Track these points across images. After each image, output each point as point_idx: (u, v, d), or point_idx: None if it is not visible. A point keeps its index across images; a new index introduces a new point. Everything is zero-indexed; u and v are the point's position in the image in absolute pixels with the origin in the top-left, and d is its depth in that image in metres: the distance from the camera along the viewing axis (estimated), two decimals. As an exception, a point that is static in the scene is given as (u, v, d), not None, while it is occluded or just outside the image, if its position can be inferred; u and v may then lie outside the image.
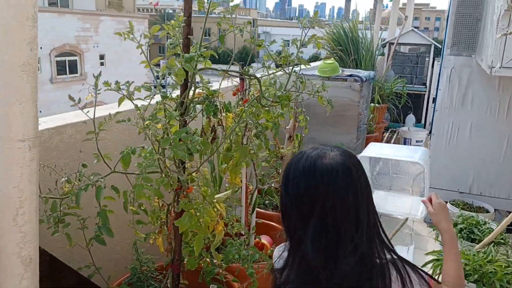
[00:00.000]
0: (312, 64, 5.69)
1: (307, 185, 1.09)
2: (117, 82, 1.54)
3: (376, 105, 5.79)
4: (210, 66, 1.66)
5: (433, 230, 3.33)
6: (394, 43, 6.88)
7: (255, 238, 2.65)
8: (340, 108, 4.21)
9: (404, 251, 3.71)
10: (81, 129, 2.05)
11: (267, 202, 3.29)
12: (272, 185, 3.39)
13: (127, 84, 1.59)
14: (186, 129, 1.67)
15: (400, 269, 1.13)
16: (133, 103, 1.61)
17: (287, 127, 3.17)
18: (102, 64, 25.25)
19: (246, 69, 2.23)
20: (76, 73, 24.66)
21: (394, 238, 3.98)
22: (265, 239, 2.71)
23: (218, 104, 1.73)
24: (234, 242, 2.12)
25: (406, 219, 4.41)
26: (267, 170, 3.45)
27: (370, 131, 5.61)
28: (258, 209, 3.08)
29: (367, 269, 1.10)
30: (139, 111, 1.52)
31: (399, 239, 3.96)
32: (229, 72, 1.72)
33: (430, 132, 4.20)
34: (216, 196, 1.84)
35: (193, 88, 1.69)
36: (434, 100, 4.83)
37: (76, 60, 24.64)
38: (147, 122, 1.48)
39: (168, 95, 1.71)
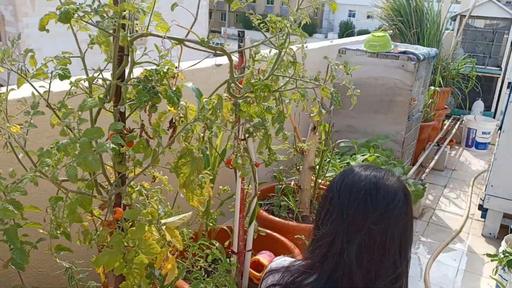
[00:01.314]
0: (362, 37, 4.91)
1: (366, 201, 1.08)
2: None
3: (437, 88, 4.93)
4: (148, 32, 1.08)
5: (491, 260, 2.61)
6: (466, 15, 5.87)
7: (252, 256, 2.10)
8: (388, 92, 3.48)
9: (451, 273, 3.02)
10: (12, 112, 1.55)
11: (282, 203, 2.70)
12: (292, 183, 2.80)
13: (24, 55, 1.06)
14: (116, 125, 1.12)
15: None
16: (33, 87, 1.08)
17: (311, 115, 2.53)
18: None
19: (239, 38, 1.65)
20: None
21: (442, 254, 3.28)
22: (266, 258, 2.15)
23: (169, 91, 1.15)
24: (203, 274, 1.58)
25: (460, 230, 3.67)
26: (286, 166, 2.86)
27: (427, 119, 4.79)
28: (267, 214, 2.52)
29: None
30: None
31: (447, 256, 3.25)
32: (188, 43, 1.14)
33: (501, 127, 3.37)
34: (167, 220, 1.29)
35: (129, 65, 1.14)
36: (510, 86, 3.93)
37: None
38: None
39: (96, 74, 1.16)
